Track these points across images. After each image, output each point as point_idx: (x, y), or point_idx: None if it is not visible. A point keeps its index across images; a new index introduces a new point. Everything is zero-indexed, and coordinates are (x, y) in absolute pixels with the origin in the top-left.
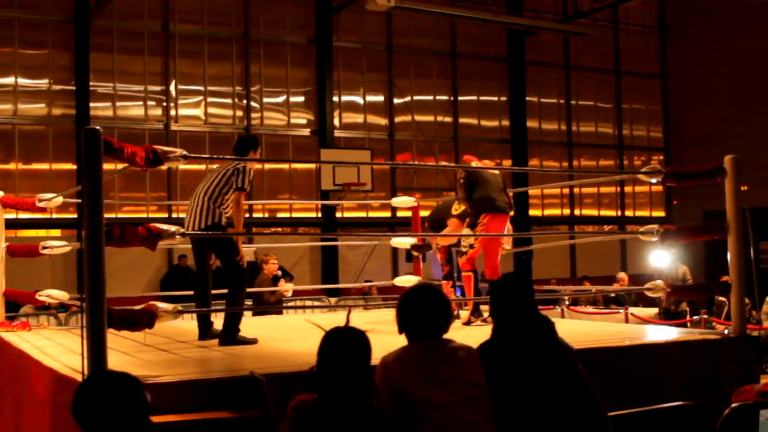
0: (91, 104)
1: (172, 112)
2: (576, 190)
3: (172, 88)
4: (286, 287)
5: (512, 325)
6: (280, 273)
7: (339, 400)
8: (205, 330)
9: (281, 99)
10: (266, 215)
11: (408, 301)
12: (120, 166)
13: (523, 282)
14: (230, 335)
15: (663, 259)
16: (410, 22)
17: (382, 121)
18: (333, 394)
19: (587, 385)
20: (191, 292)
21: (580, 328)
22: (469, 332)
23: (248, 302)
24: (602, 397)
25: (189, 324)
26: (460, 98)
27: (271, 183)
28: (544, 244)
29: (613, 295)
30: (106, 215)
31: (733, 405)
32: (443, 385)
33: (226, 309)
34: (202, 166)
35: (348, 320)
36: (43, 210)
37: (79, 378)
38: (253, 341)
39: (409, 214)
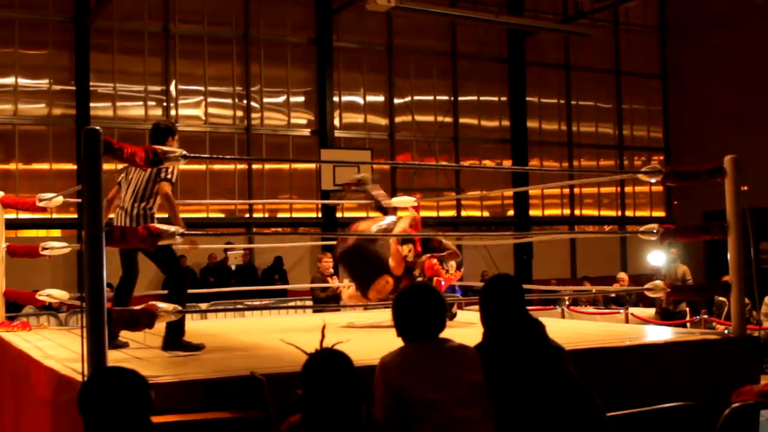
0: (91, 104)
1: (172, 112)
2: (576, 190)
3: (172, 88)
4: (341, 283)
5: (503, 328)
6: (332, 271)
7: (327, 423)
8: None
9: (281, 99)
10: (266, 215)
11: (403, 302)
12: (120, 166)
13: (512, 284)
14: (175, 340)
15: (662, 259)
16: (410, 22)
17: (383, 121)
18: (321, 418)
19: (581, 385)
20: (191, 292)
21: (580, 329)
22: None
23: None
24: (602, 398)
25: (189, 324)
26: (460, 98)
27: (271, 183)
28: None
29: (613, 295)
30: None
31: (733, 405)
32: (441, 384)
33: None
34: (203, 166)
35: (323, 337)
36: (43, 210)
37: (79, 378)
38: (199, 347)
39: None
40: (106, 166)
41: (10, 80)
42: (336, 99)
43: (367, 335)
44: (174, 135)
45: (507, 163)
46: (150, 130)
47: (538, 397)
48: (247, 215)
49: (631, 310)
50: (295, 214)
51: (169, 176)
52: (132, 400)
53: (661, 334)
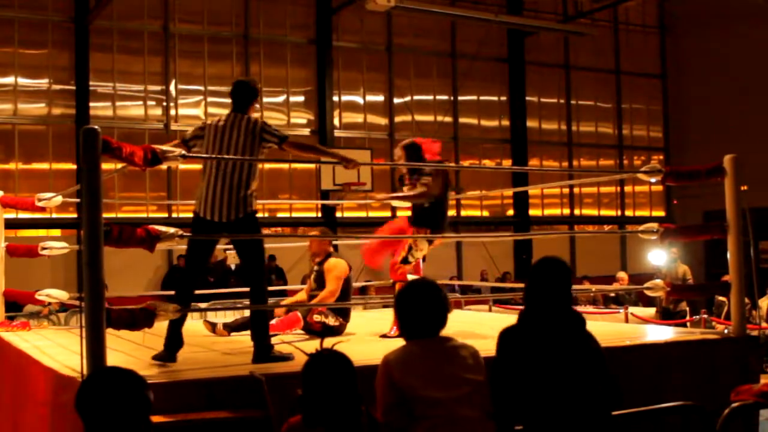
0: (91, 104)
1: (172, 112)
2: (576, 190)
3: (172, 88)
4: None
5: (542, 311)
6: None
7: (328, 424)
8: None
9: (281, 99)
10: (266, 215)
11: (404, 299)
12: (119, 165)
13: (562, 270)
14: (264, 351)
15: (662, 258)
16: (410, 22)
17: (382, 121)
18: (321, 419)
19: (617, 387)
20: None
21: None
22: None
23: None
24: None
25: (188, 324)
26: (460, 98)
27: (271, 183)
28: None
29: (613, 294)
30: (106, 215)
31: (733, 405)
32: (444, 383)
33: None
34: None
35: (322, 343)
36: (42, 210)
37: (78, 378)
38: (289, 357)
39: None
40: (105, 166)
41: (9, 80)
42: (336, 99)
43: (367, 336)
44: (258, 97)
45: (507, 163)
46: (233, 86)
47: (560, 382)
48: None
49: (631, 309)
50: (295, 214)
51: (283, 133)
52: (130, 400)
53: (661, 333)
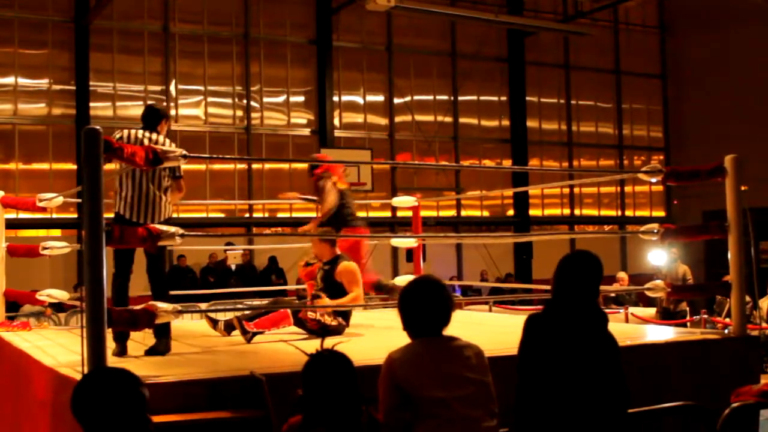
0: (91, 104)
1: (172, 112)
2: (576, 190)
3: (172, 88)
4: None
5: (568, 303)
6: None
7: (328, 424)
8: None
9: (281, 99)
10: (266, 215)
11: (408, 296)
12: (119, 165)
13: (593, 264)
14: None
15: (662, 258)
16: (410, 22)
17: (382, 121)
18: (322, 419)
19: (625, 387)
20: (191, 292)
21: None
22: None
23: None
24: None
25: (189, 324)
26: (460, 98)
27: (271, 183)
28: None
29: (613, 294)
30: (106, 215)
31: (733, 405)
32: (448, 382)
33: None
34: (203, 166)
35: (322, 343)
36: (43, 210)
37: (79, 378)
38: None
39: (409, 213)
40: (106, 166)
41: (10, 80)
42: (336, 99)
43: (368, 335)
44: (167, 119)
45: (507, 163)
46: (143, 111)
47: (578, 376)
48: (247, 215)
49: (631, 309)
50: (295, 214)
51: (176, 170)
52: (125, 398)
53: (661, 333)
